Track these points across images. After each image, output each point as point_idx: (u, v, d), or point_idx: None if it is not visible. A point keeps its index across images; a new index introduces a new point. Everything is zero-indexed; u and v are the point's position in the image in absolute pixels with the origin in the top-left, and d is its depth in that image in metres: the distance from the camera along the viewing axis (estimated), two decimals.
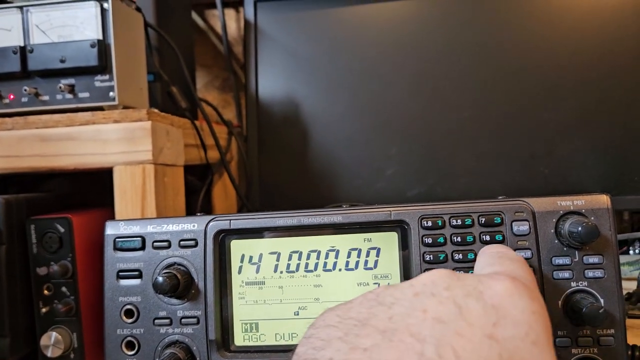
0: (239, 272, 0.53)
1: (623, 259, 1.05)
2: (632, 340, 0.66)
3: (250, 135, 1.04)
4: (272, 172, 1.03)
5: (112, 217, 0.66)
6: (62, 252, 0.64)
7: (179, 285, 0.50)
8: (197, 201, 0.99)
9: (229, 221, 0.52)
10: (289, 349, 0.51)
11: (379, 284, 0.51)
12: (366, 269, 0.51)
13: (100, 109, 0.72)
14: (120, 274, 0.53)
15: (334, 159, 1.00)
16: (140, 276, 0.53)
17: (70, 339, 0.64)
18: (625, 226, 1.24)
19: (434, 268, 0.48)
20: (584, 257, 0.48)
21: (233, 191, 1.09)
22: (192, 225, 0.53)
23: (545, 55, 0.94)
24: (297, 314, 0.52)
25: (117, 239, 0.54)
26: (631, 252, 1.19)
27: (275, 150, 1.04)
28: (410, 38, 0.99)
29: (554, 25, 0.93)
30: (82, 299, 0.64)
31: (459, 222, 0.49)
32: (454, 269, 0.49)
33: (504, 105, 0.95)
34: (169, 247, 0.53)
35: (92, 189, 0.94)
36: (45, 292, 0.64)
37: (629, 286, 0.90)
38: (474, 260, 0.49)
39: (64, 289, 0.64)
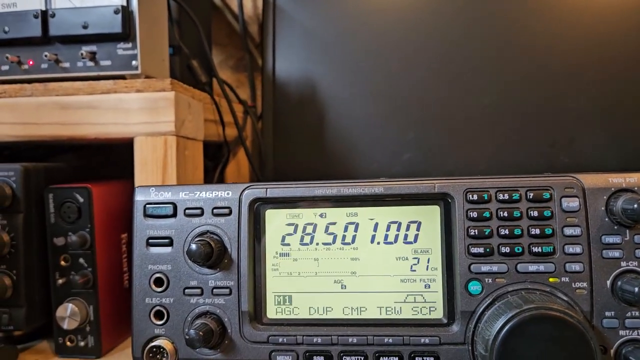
0: (274, 242, 0.51)
1: None
2: None
3: (266, 115, 1.02)
4: (286, 153, 1.01)
5: (132, 188, 0.64)
6: (80, 222, 0.62)
7: (212, 253, 0.48)
8: (212, 179, 0.97)
9: (265, 189, 0.50)
10: (324, 323, 0.50)
11: (418, 259, 0.49)
12: (406, 242, 0.50)
13: (122, 77, 0.70)
14: (150, 241, 0.51)
15: (349, 141, 0.98)
16: (171, 244, 0.51)
17: (86, 311, 0.62)
18: None
19: (478, 243, 0.47)
20: (635, 236, 0.46)
21: (246, 171, 1.07)
22: (227, 193, 0.51)
23: (569, 43, 0.92)
24: (333, 288, 0.50)
25: (147, 205, 0.52)
26: None
27: (289, 130, 1.02)
28: (431, 20, 0.97)
29: (579, 13, 0.91)
30: (100, 271, 0.62)
31: (506, 196, 0.47)
32: (499, 245, 0.47)
33: (525, 93, 0.93)
34: (201, 214, 0.51)
35: (107, 163, 0.92)
36: (62, 262, 0.62)
37: None
38: (520, 236, 0.47)
39: (81, 260, 0.62)
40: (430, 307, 0.49)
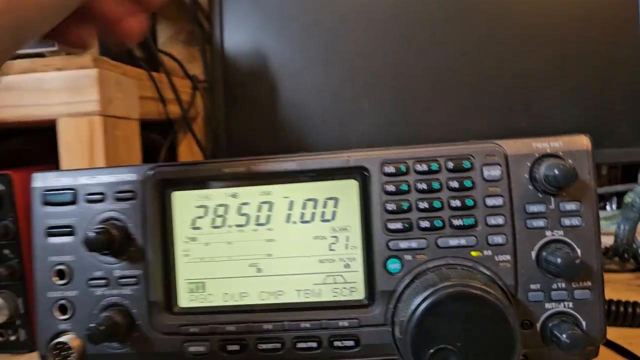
0: (183, 227, 0.48)
1: (600, 214, 1.02)
2: (611, 295, 0.63)
3: (216, 89, 0.98)
4: (240, 128, 0.97)
5: None
6: (2, 212, 0.58)
7: (114, 241, 0.45)
8: (159, 160, 0.93)
9: (170, 170, 0.47)
10: (239, 310, 0.47)
11: (337, 238, 0.46)
12: (323, 221, 0.46)
13: (41, 55, 0.65)
14: (50, 230, 0.47)
15: (304, 113, 0.94)
16: (72, 233, 0.47)
17: (15, 304, 0.58)
18: (602, 181, 1.21)
19: (396, 218, 0.44)
20: (560, 204, 0.43)
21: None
22: (130, 176, 0.47)
23: (523, 3, 0.89)
24: (248, 272, 0.47)
25: (45, 192, 0.48)
26: (608, 207, 1.16)
27: (242, 104, 0.98)
28: None
29: None
30: (27, 262, 0.58)
31: (424, 167, 0.44)
32: (418, 219, 0.44)
33: (479, 56, 0.91)
34: (103, 200, 0.47)
35: (38, 148, 0.87)
36: None
37: (605, 241, 0.87)
38: (440, 209, 0.44)
39: (6, 251, 0.58)
40: (350, 288, 0.46)
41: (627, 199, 0.86)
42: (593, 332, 0.43)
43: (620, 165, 1.16)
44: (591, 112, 0.90)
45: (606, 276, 0.76)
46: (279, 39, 0.95)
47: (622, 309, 0.59)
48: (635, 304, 0.60)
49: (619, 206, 1.01)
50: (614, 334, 0.55)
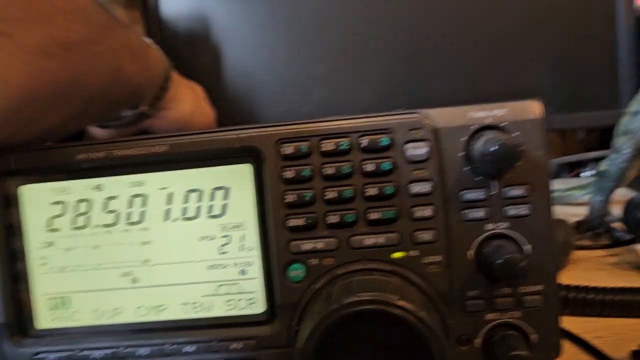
0: (37, 229, 0.38)
1: (573, 182, 0.94)
2: (580, 276, 0.54)
3: None
4: None
5: None
6: None
7: None
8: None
9: (9, 158, 0.37)
10: (111, 330, 0.37)
11: (230, 238, 0.37)
12: (211, 216, 0.37)
13: None
14: None
15: (252, 81, 0.84)
16: None
17: None
18: (578, 147, 1.12)
19: (298, 213, 0.34)
20: (504, 190, 0.34)
21: None
22: None
23: None
24: (121, 283, 0.38)
25: None
26: (582, 174, 1.08)
27: (182, 73, 0.87)
28: None
29: None
30: None
31: (332, 146, 0.35)
32: (326, 214, 0.35)
33: (441, 16, 0.81)
34: None
35: None
36: None
37: (578, 212, 0.79)
38: (352, 200, 0.35)
39: None
40: (248, 300, 0.37)
41: (601, 167, 0.77)
42: (547, 347, 0.34)
43: (598, 129, 1.08)
44: (566, 73, 0.81)
45: (577, 254, 0.68)
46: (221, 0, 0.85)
47: (590, 295, 0.51)
48: (604, 290, 0.51)
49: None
50: (578, 325, 0.47)
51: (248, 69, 0.85)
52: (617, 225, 0.75)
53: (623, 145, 0.75)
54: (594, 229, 0.75)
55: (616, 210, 0.76)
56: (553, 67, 0.80)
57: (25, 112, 0.34)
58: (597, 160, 0.91)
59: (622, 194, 0.80)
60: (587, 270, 0.64)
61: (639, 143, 0.74)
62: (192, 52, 0.86)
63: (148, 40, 0.53)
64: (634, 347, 0.40)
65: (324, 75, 0.83)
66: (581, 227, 0.77)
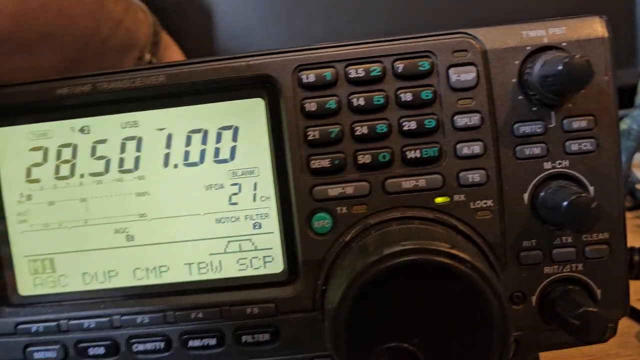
0: (14, 180, 0.32)
1: None
2: None
3: None
4: None
5: None
6: None
7: None
8: None
9: None
10: (104, 297, 0.32)
11: (240, 186, 0.31)
12: (218, 161, 0.31)
13: None
14: None
15: (245, 42, 0.78)
16: None
17: None
18: None
19: (322, 153, 0.29)
20: (565, 121, 0.29)
21: None
22: None
23: None
24: (115, 241, 0.32)
25: None
26: None
27: (173, 36, 0.81)
28: None
29: None
30: None
31: (361, 73, 0.29)
32: (355, 153, 0.29)
33: None
34: None
35: None
36: None
37: None
38: (387, 137, 0.29)
39: None
40: (265, 258, 0.32)
41: (623, 125, 0.73)
42: (612, 304, 0.30)
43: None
44: None
45: None
46: None
47: (636, 257, 0.46)
48: None
49: None
50: None
51: (240, 30, 0.79)
52: None
53: None
54: None
55: (638, 174, 0.71)
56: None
57: (19, 41, 0.33)
58: None
59: None
60: None
61: None
62: (182, 13, 0.80)
63: None
64: None
65: (320, 35, 0.77)
66: None
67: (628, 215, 0.65)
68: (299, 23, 0.79)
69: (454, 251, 0.25)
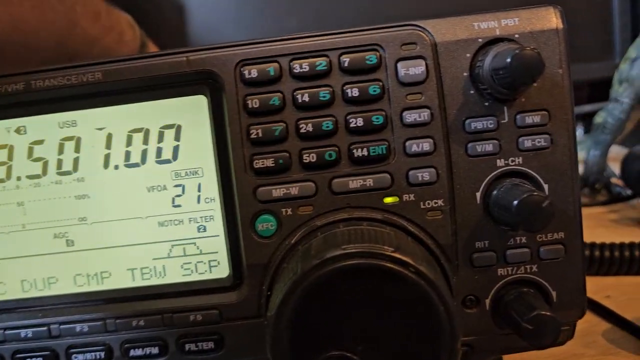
0: None
1: None
2: None
3: None
4: None
5: None
6: None
7: None
8: None
9: None
10: (43, 305, 0.31)
11: (183, 187, 0.30)
12: (160, 162, 0.30)
13: None
14: None
15: (220, 37, 0.76)
16: None
17: None
18: None
19: (266, 152, 0.28)
20: (518, 116, 0.28)
21: None
22: None
23: None
24: (54, 247, 0.31)
25: None
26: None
27: (147, 30, 0.79)
28: None
29: None
30: None
31: (306, 67, 0.28)
32: (301, 151, 0.28)
33: None
34: None
35: None
36: None
37: None
38: (333, 134, 0.28)
39: None
40: (210, 262, 0.31)
41: (598, 119, 0.72)
42: (569, 306, 0.29)
43: (587, 85, 1.02)
44: None
45: None
46: None
47: (596, 252, 0.46)
48: (612, 246, 0.46)
49: (587, 131, 0.87)
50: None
51: (213, 24, 0.77)
52: (615, 180, 0.70)
53: (622, 94, 0.70)
54: (592, 185, 0.70)
55: (613, 167, 0.71)
56: None
57: None
58: (587, 116, 0.85)
59: (617, 151, 0.75)
60: (587, 227, 0.58)
61: (638, 91, 0.69)
62: (155, 8, 0.78)
63: (118, 9, 0.54)
64: None
65: (295, 29, 0.75)
66: None
67: (603, 209, 0.65)
68: (272, 16, 0.77)
69: (397, 255, 0.24)
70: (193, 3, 0.77)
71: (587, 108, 0.92)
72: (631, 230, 0.57)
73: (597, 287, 0.43)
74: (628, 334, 0.37)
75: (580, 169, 0.72)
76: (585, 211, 0.66)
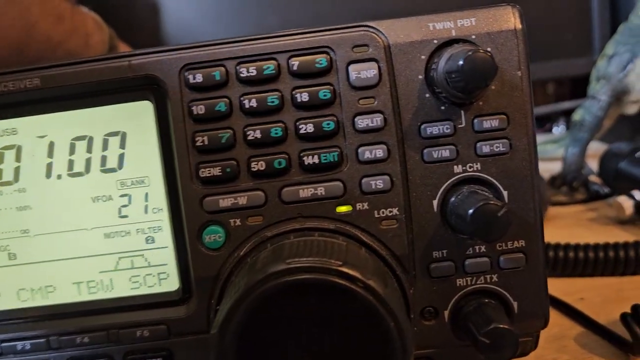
0: None
1: (546, 137, 0.88)
2: (558, 233, 0.48)
3: None
4: None
5: None
6: None
7: None
8: None
9: None
10: None
11: (130, 197, 0.29)
12: (105, 170, 0.29)
13: None
14: None
15: (196, 37, 0.74)
16: None
17: None
18: (548, 99, 1.06)
19: (212, 160, 0.26)
20: (476, 120, 0.27)
21: None
22: None
23: None
24: None
25: None
26: (554, 129, 1.02)
27: (120, 30, 0.78)
28: None
29: None
30: None
31: (253, 71, 0.27)
32: (249, 159, 0.27)
33: None
34: None
35: None
36: None
37: (552, 167, 0.72)
38: (283, 141, 0.27)
39: None
40: (159, 275, 0.29)
41: (576, 116, 0.71)
42: (531, 316, 0.28)
43: (569, 81, 1.02)
44: (532, 19, 0.74)
45: (553, 210, 0.62)
46: None
47: (571, 254, 0.45)
48: (587, 247, 0.45)
49: (568, 127, 0.87)
50: (559, 286, 0.41)
51: (188, 23, 0.76)
52: (594, 178, 0.69)
53: (599, 91, 0.69)
54: (570, 184, 0.70)
55: (591, 165, 0.70)
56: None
57: None
58: (569, 113, 0.85)
59: (596, 148, 0.75)
60: (565, 227, 0.58)
61: (616, 88, 0.68)
62: (128, 7, 0.77)
63: (85, 10, 0.52)
64: (621, 309, 0.34)
65: (276, 27, 0.74)
66: (556, 182, 0.71)
67: (581, 208, 0.64)
68: (252, 14, 0.76)
69: (344, 269, 0.23)
70: (168, 1, 0.76)
71: (567, 105, 0.92)
72: (609, 229, 0.56)
73: (571, 289, 0.43)
74: (601, 338, 0.36)
75: (559, 167, 0.71)
76: (563, 210, 0.65)
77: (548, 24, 0.76)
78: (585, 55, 0.86)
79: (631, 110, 0.69)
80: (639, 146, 0.63)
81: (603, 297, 0.42)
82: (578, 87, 0.91)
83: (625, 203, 0.55)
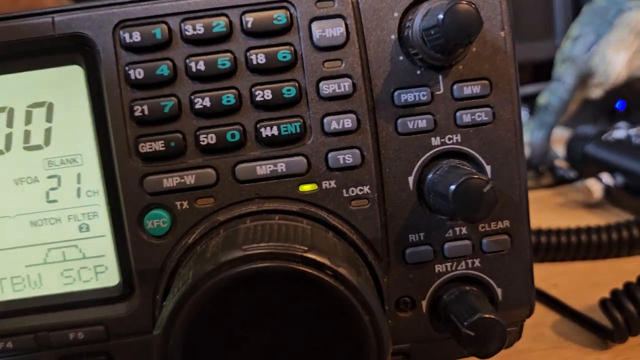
0: None
1: None
2: None
3: None
4: None
5: None
6: None
7: None
8: None
9: None
10: None
11: (59, 178, 0.25)
12: (29, 148, 0.25)
13: None
14: None
15: None
16: None
17: None
18: None
19: (154, 134, 0.23)
20: (455, 86, 0.24)
21: None
22: None
23: None
24: None
25: None
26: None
27: None
28: None
29: None
30: None
31: (201, 29, 0.23)
32: (197, 130, 0.23)
33: None
34: None
35: None
36: None
37: None
38: (237, 110, 0.23)
39: None
40: (96, 268, 0.25)
41: (541, 100, 0.70)
42: (516, 304, 0.25)
43: (530, 65, 1.01)
44: None
45: None
46: None
47: (543, 239, 0.43)
48: (559, 232, 0.43)
49: (532, 112, 0.86)
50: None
51: None
52: (559, 163, 0.68)
53: (564, 73, 0.68)
54: (536, 168, 0.68)
55: (557, 149, 0.69)
56: None
57: None
58: (531, 98, 0.83)
59: (561, 133, 0.74)
60: (533, 211, 0.56)
61: (581, 70, 0.67)
62: None
63: None
64: (595, 294, 0.32)
65: None
66: None
67: (548, 192, 0.63)
68: None
69: (310, 255, 0.19)
70: None
71: (530, 89, 0.90)
72: (578, 213, 0.55)
73: (543, 274, 0.41)
74: (578, 325, 0.34)
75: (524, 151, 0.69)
76: (530, 194, 0.64)
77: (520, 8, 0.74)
78: (547, 38, 0.84)
79: (595, 93, 0.69)
80: (605, 129, 0.62)
81: (576, 282, 0.40)
82: (540, 72, 0.90)
83: (594, 186, 0.54)
